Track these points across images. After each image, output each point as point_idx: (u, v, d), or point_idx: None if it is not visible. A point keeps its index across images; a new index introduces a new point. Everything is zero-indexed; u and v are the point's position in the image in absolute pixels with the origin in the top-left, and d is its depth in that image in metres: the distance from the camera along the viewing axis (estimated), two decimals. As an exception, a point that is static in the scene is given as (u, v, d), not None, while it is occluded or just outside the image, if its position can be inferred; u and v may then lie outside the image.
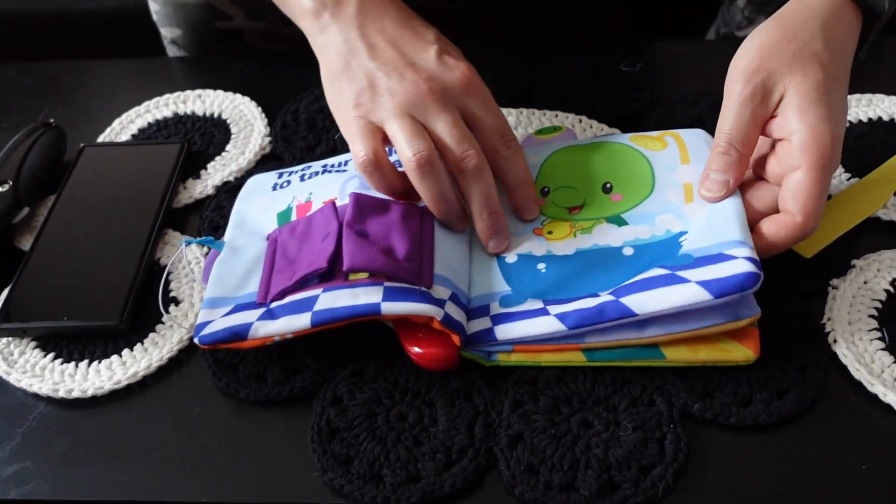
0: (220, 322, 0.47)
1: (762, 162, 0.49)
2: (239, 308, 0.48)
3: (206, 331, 0.47)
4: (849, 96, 0.61)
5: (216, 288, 0.50)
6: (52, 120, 0.65)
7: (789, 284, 0.50)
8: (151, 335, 0.51)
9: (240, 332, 0.46)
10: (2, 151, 0.61)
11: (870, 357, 0.46)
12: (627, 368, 0.46)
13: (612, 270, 0.47)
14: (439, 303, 0.45)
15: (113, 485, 0.45)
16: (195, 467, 0.45)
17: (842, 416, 0.44)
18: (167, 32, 0.80)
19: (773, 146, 0.48)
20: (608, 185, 0.51)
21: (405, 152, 0.47)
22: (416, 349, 0.46)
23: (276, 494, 0.44)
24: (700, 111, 0.62)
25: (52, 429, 0.48)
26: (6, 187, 0.58)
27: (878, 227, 0.53)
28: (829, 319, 0.48)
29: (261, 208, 0.54)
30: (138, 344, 0.50)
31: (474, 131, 0.49)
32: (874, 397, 0.45)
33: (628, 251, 0.48)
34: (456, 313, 0.46)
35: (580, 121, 0.63)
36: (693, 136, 0.53)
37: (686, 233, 0.47)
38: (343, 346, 0.49)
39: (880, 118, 0.60)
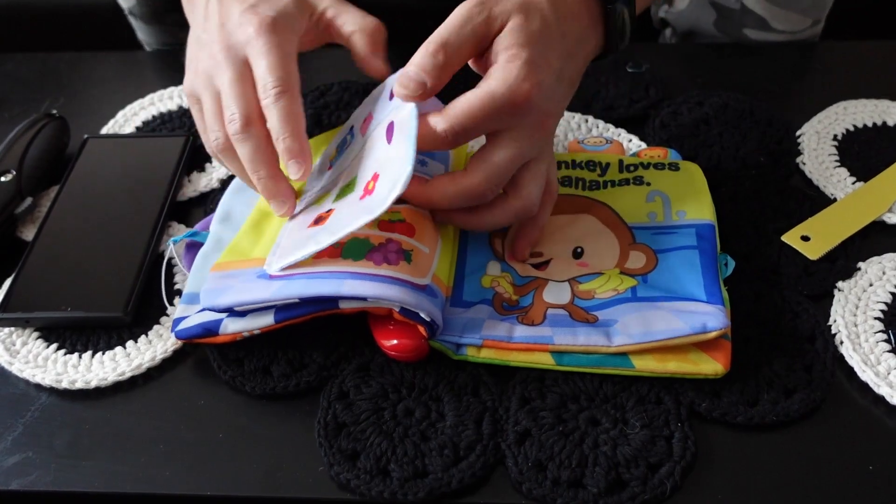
0: (195, 318, 0.47)
1: None
2: None
3: (182, 325, 0.48)
4: (855, 101, 0.62)
5: (195, 283, 0.50)
6: (54, 111, 0.65)
7: (796, 286, 0.50)
8: (156, 327, 0.51)
9: (211, 329, 0.47)
10: (4, 141, 0.61)
11: (876, 359, 0.46)
12: (635, 366, 0.46)
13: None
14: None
15: (116, 477, 0.44)
16: (200, 460, 0.45)
17: (848, 417, 0.45)
18: (123, 2, 0.79)
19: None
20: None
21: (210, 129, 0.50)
22: (385, 342, 0.46)
23: (282, 488, 0.43)
24: (705, 112, 0.62)
25: (55, 420, 0.47)
26: (9, 177, 0.58)
27: (884, 230, 0.54)
28: (835, 321, 0.48)
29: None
30: (143, 336, 0.50)
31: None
32: (880, 398, 0.45)
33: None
34: (421, 302, 0.44)
35: (586, 120, 0.63)
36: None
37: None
38: (349, 340, 0.48)
39: (885, 122, 0.61)
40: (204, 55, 0.51)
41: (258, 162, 0.48)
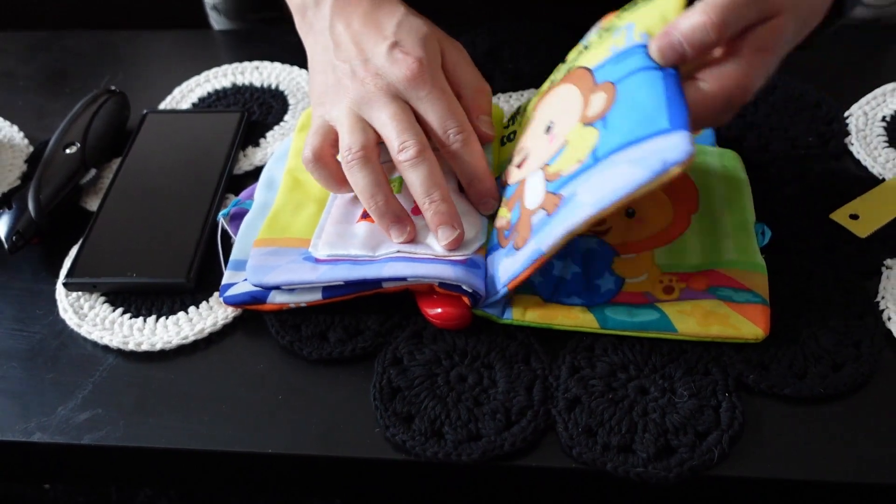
0: (243, 286, 0.50)
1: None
2: None
3: (230, 292, 0.50)
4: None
5: (241, 249, 0.52)
6: (114, 87, 0.67)
7: (845, 263, 0.51)
8: (216, 294, 0.52)
9: (259, 298, 0.49)
10: (69, 115, 0.63)
11: (924, 335, 0.47)
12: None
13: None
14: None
15: (182, 434, 0.46)
16: (260, 420, 0.47)
17: (896, 392, 0.45)
18: None
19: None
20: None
21: (341, 148, 0.50)
22: (430, 310, 0.48)
23: (339, 448, 0.45)
24: (754, 93, 0.63)
25: (122, 379, 0.49)
26: (74, 149, 0.60)
27: (934, 209, 0.54)
28: (883, 298, 0.49)
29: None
30: (204, 302, 0.52)
31: (423, 126, 0.50)
32: (928, 374, 0.46)
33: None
34: (461, 275, 0.46)
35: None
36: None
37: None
38: (402, 308, 0.50)
39: (936, 104, 0.61)
40: (349, 85, 0.51)
41: (433, 185, 0.48)
